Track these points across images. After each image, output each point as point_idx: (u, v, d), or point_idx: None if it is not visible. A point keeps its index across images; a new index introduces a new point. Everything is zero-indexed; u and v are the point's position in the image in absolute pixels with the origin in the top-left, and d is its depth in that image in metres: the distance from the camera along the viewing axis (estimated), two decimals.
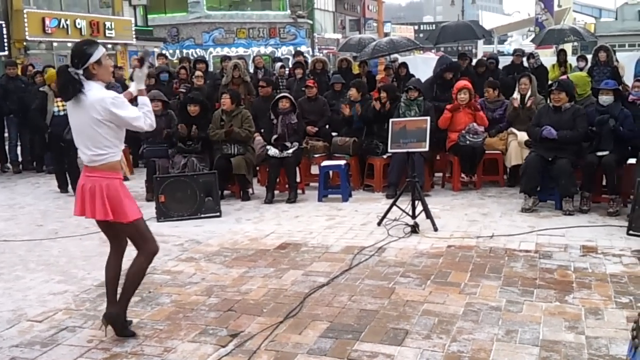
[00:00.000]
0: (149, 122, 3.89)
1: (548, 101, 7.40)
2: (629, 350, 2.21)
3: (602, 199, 7.02)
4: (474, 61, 12.13)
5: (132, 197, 3.92)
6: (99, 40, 21.95)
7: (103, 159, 3.79)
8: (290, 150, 7.80)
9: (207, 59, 14.89)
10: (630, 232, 5.89)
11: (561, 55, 12.49)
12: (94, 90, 3.74)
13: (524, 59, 11.75)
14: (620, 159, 6.76)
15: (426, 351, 3.63)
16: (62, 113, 8.20)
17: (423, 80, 9.99)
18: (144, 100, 3.97)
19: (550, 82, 9.42)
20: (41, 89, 8.87)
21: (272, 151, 7.81)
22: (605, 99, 6.88)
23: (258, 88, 9.41)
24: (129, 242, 4.04)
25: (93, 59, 3.76)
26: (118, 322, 3.94)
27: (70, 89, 3.72)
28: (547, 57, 14.59)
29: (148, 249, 3.96)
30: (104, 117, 3.71)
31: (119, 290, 4.01)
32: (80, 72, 3.75)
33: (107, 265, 4.06)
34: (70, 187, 8.55)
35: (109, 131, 3.77)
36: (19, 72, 11.24)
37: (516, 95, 8.25)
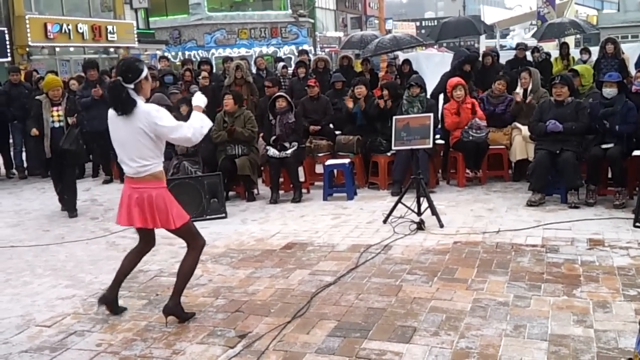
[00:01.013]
0: (197, 135, 4.11)
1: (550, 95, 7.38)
2: (637, 343, 2.20)
3: (607, 191, 7.00)
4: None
5: (176, 203, 4.20)
6: (101, 44, 21.99)
7: (148, 170, 4.04)
8: (289, 151, 7.80)
9: (211, 61, 14.88)
10: (637, 224, 5.88)
11: (564, 48, 12.47)
12: (140, 104, 4.01)
13: (529, 52, 11.72)
14: (626, 151, 6.74)
15: (434, 348, 3.62)
16: (57, 125, 7.56)
17: (427, 76, 9.98)
18: (199, 115, 4.21)
19: (552, 75, 9.40)
20: (38, 97, 7.97)
21: (272, 151, 7.82)
22: (609, 91, 6.86)
23: (264, 89, 9.37)
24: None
25: (143, 75, 4.05)
26: (176, 311, 4.20)
27: (129, 104, 3.96)
28: (550, 50, 14.55)
29: (196, 244, 4.29)
30: (149, 129, 3.96)
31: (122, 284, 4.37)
32: (132, 86, 4.00)
33: (127, 256, 4.43)
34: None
35: (152, 143, 4.01)
36: (22, 78, 11.26)
37: (519, 89, 8.25)
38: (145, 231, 4.30)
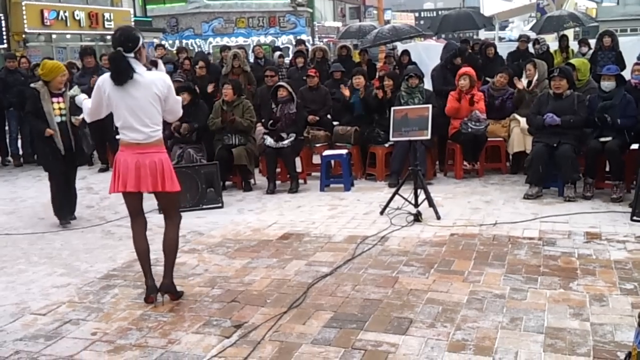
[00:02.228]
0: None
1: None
2: (635, 337, 2.20)
3: (605, 185, 7.00)
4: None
5: None
6: (98, 32, 21.88)
7: (158, 135, 4.23)
8: (286, 141, 7.76)
9: (207, 55, 14.77)
10: (634, 218, 5.87)
11: (563, 40, 12.43)
12: (145, 71, 4.21)
13: (530, 44, 11.70)
14: (624, 145, 6.73)
15: (430, 340, 3.62)
16: (59, 119, 6.45)
17: (426, 67, 9.95)
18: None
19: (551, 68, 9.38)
20: (33, 85, 6.61)
21: (268, 141, 7.78)
22: (607, 84, 6.84)
23: (264, 78, 9.32)
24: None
25: (141, 43, 4.22)
26: (173, 289, 4.36)
27: (129, 72, 4.10)
28: (549, 43, 14.52)
29: (177, 216, 4.47)
30: (163, 94, 4.19)
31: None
32: (132, 55, 4.16)
33: (139, 241, 4.38)
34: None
35: (161, 108, 4.23)
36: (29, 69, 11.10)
37: (524, 80, 8.23)
38: (139, 203, 4.37)
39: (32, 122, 6.75)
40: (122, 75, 4.11)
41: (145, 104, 4.15)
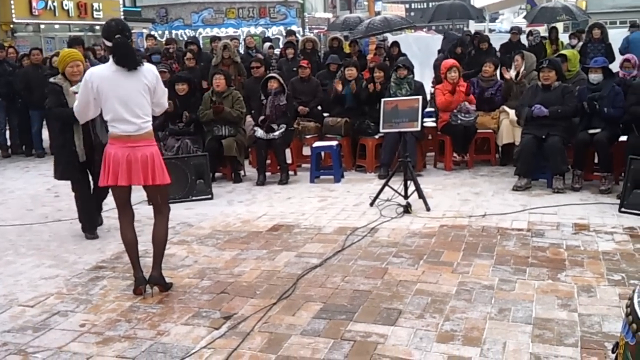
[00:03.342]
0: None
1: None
2: (623, 327, 2.21)
3: (593, 176, 7.03)
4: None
5: None
6: (86, 22, 21.66)
7: (148, 127, 4.22)
8: (277, 132, 7.74)
9: (198, 40, 14.65)
10: (622, 209, 5.91)
11: (552, 32, 12.46)
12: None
13: (523, 36, 11.73)
14: (612, 137, 6.76)
15: (419, 330, 3.63)
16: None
17: (417, 58, 9.94)
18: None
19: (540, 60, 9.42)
20: (53, 79, 5.63)
21: (259, 132, 7.76)
22: (594, 77, 6.86)
23: (251, 69, 9.29)
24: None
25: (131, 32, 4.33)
26: (162, 281, 4.35)
27: (135, 58, 4.18)
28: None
29: (167, 209, 4.47)
30: (152, 84, 4.22)
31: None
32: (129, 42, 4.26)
33: (127, 233, 4.36)
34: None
35: (150, 99, 4.24)
36: (41, 63, 10.89)
37: (512, 71, 8.25)
38: (128, 195, 4.36)
39: (56, 116, 5.63)
40: (133, 60, 4.16)
41: (135, 95, 4.16)
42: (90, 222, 5.81)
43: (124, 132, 4.16)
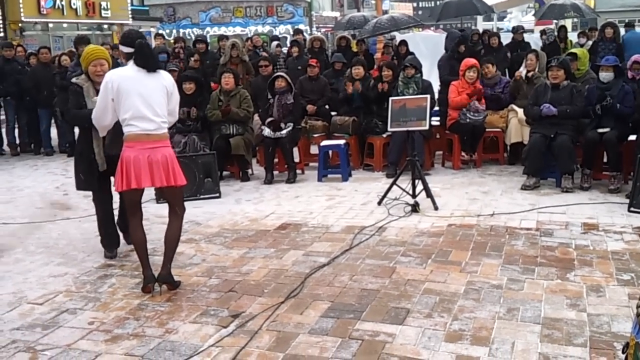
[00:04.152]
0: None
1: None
2: (633, 327, 2.20)
3: (602, 176, 7.00)
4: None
5: None
6: (94, 21, 21.72)
7: (165, 127, 4.31)
8: (284, 131, 7.74)
9: (206, 38, 14.66)
10: (632, 209, 5.88)
11: (561, 31, 12.42)
12: None
13: (537, 34, 11.73)
14: (622, 136, 6.73)
15: (427, 330, 3.63)
16: None
17: (424, 57, 9.90)
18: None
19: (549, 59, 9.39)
20: (75, 79, 5.09)
21: (266, 131, 7.76)
22: (605, 75, 6.83)
23: (259, 67, 9.30)
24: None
25: None
26: (171, 279, 4.37)
27: (158, 61, 4.39)
28: None
29: (183, 210, 4.51)
30: (169, 89, 4.35)
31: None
32: None
33: (137, 232, 4.40)
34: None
35: (167, 103, 4.35)
36: (50, 62, 10.90)
37: (522, 69, 8.20)
38: (141, 196, 4.44)
39: (72, 118, 5.30)
40: (154, 61, 4.33)
41: (157, 94, 4.26)
42: (108, 239, 5.25)
43: (144, 130, 4.19)
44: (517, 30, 12.30)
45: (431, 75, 11.13)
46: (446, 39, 9.96)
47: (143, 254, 4.38)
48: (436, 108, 8.58)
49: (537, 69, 8.06)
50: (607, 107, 6.63)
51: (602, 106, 6.64)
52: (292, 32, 20.62)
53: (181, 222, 4.51)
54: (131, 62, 4.30)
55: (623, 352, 2.31)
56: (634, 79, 7.13)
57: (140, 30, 26.44)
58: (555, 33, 12.17)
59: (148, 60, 4.28)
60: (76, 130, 10.45)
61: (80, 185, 5.26)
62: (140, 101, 4.20)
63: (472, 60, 8.17)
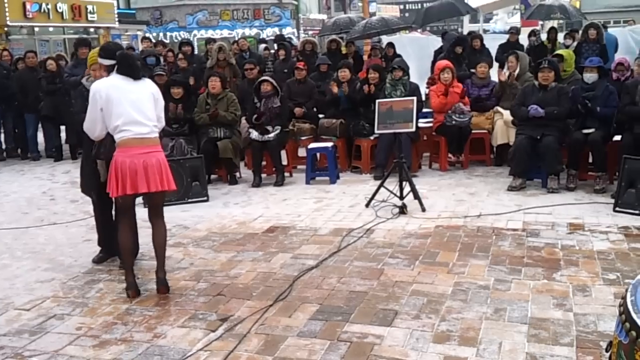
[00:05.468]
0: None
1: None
2: (616, 326, 2.22)
3: (588, 176, 7.05)
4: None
5: None
6: (81, 24, 21.58)
7: (157, 131, 4.37)
8: (272, 135, 7.74)
9: (192, 41, 14.66)
10: (617, 209, 5.93)
11: (551, 33, 12.51)
12: None
13: (525, 36, 11.80)
14: (606, 136, 6.79)
15: (415, 331, 3.64)
16: None
17: (411, 60, 9.93)
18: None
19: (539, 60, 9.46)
20: (84, 81, 5.09)
21: (254, 134, 7.75)
22: (589, 76, 6.89)
23: (245, 70, 9.30)
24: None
25: None
26: (166, 282, 4.42)
27: (140, 70, 4.41)
28: None
29: (162, 212, 4.54)
30: (155, 96, 4.40)
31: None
32: None
33: (127, 237, 4.40)
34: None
35: (154, 109, 4.40)
36: (37, 66, 10.81)
37: (505, 71, 8.27)
38: (134, 201, 4.49)
39: (76, 122, 5.00)
40: (138, 70, 4.36)
41: (146, 101, 4.31)
42: (106, 250, 5.16)
43: (137, 134, 4.21)
44: (512, 31, 12.40)
45: (420, 77, 11.18)
46: (444, 40, 10.01)
47: (128, 258, 4.41)
48: (428, 110, 8.62)
49: (517, 71, 8.14)
50: (588, 110, 6.69)
51: (583, 105, 6.71)
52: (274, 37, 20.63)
53: (165, 226, 4.55)
54: (114, 73, 4.32)
55: (607, 351, 2.33)
56: (619, 80, 7.20)
57: (127, 33, 26.41)
58: (545, 35, 12.26)
59: (133, 69, 4.33)
60: (62, 135, 10.50)
61: (83, 189, 5.36)
62: (131, 106, 4.22)
63: (444, 62, 8.27)
